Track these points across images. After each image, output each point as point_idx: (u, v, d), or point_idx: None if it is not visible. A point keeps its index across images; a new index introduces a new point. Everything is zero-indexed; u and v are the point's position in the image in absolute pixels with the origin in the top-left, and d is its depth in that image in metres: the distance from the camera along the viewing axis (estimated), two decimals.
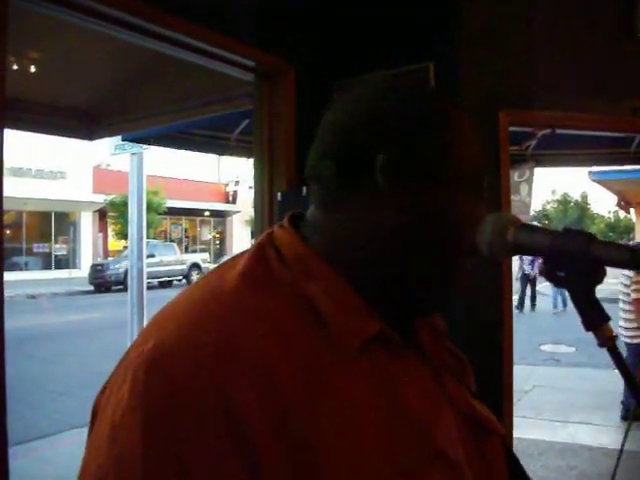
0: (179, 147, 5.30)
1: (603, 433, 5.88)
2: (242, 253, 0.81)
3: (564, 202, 57.38)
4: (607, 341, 0.66)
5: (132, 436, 0.62)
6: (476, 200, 0.81)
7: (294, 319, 0.71)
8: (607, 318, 0.67)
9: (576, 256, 0.67)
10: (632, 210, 25.82)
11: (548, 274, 0.70)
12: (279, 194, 2.74)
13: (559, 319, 14.36)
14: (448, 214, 0.78)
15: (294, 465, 0.63)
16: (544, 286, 22.57)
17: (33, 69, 4.02)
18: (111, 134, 5.47)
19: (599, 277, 0.68)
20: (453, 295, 0.84)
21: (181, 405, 0.62)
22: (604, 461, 5.06)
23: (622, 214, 46.70)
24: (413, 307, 0.84)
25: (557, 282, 0.70)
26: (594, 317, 0.67)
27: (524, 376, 8.08)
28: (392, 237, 0.78)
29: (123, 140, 6.18)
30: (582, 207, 56.45)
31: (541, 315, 15.10)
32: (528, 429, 5.64)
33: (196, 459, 0.60)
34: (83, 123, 4.69)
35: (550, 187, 60.17)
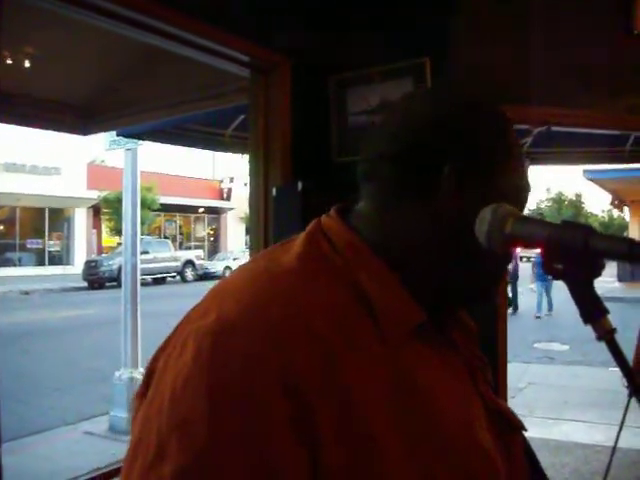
0: (174, 143, 5.28)
1: (596, 430, 5.90)
2: (291, 239, 0.83)
3: (558, 201, 57.58)
4: (605, 334, 0.66)
5: (197, 402, 0.63)
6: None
7: (348, 304, 0.74)
8: (605, 311, 0.67)
9: (574, 248, 0.66)
10: (626, 209, 25.94)
11: (546, 266, 0.70)
12: (274, 189, 2.73)
13: (553, 317, 14.38)
14: None
15: (353, 451, 0.65)
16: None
17: (27, 64, 4.00)
18: (106, 129, 5.46)
19: (597, 270, 0.67)
20: (491, 295, 0.90)
21: (247, 379, 0.63)
22: (597, 458, 5.07)
23: (616, 213, 46.88)
24: (452, 306, 0.88)
25: (555, 274, 0.69)
26: (592, 310, 0.66)
27: (518, 374, 8.10)
28: (444, 244, 0.80)
29: (117, 135, 6.16)
30: (576, 206, 56.65)
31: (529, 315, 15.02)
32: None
33: (258, 435, 0.62)
34: (78, 118, 4.66)
35: (545, 186, 60.33)
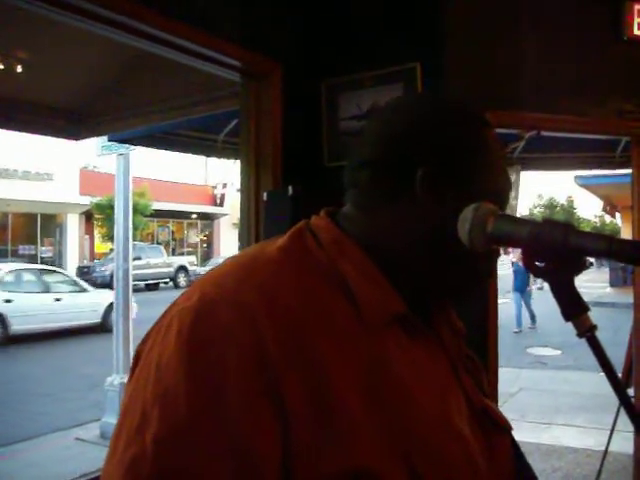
0: (166, 148, 5.28)
1: (588, 435, 5.91)
2: (278, 236, 0.86)
3: (550, 206, 57.75)
4: (586, 331, 0.67)
5: (177, 374, 0.67)
6: None
7: (327, 291, 0.77)
8: (586, 308, 0.67)
9: (554, 246, 0.67)
10: (618, 214, 26.03)
11: (527, 264, 0.71)
12: (265, 194, 2.73)
13: (547, 322, 14.38)
14: None
15: (323, 426, 0.68)
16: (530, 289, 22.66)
17: (20, 69, 4.00)
18: (97, 134, 5.44)
19: (578, 267, 0.68)
20: (472, 291, 0.92)
21: (222, 354, 0.67)
22: (589, 462, 5.09)
23: (608, 218, 47.06)
24: (431, 296, 0.90)
25: (536, 272, 0.70)
26: (573, 307, 0.67)
27: (510, 379, 8.12)
28: (423, 244, 0.83)
29: (109, 141, 6.16)
30: (568, 211, 56.82)
31: (527, 318, 14.93)
32: (513, 431, 5.65)
33: (233, 407, 0.66)
34: (69, 123, 4.66)
35: (537, 192, 60.56)
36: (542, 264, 0.70)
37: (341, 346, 0.73)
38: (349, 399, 0.70)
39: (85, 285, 14.71)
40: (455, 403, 0.82)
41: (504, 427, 0.91)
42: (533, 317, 13.71)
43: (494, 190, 0.85)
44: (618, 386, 0.67)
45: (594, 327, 0.67)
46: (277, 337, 0.69)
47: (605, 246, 0.65)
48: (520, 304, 13.46)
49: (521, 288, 13.30)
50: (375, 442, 0.70)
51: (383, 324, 0.78)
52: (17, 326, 11.81)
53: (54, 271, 15.47)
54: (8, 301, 11.72)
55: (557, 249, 0.67)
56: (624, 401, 0.68)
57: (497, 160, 0.87)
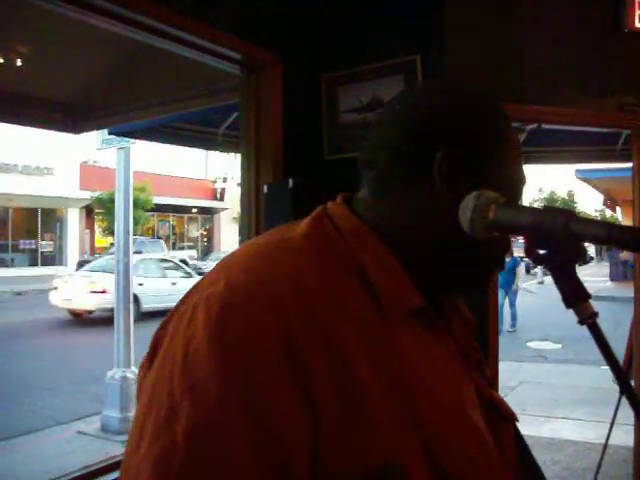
0: (166, 141, 5.27)
1: (587, 428, 5.93)
2: (295, 222, 0.86)
3: (551, 200, 57.77)
4: (587, 318, 0.67)
5: (207, 365, 0.67)
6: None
7: (348, 281, 0.77)
8: (587, 295, 0.67)
9: (555, 233, 0.67)
10: (618, 209, 26.02)
11: (528, 252, 0.71)
12: (265, 186, 2.73)
13: (547, 316, 14.40)
14: None
15: (343, 406, 0.68)
16: (530, 284, 22.69)
17: (19, 62, 3.99)
18: (97, 127, 5.44)
19: (579, 254, 0.68)
20: (486, 281, 0.92)
21: (251, 344, 0.67)
22: (588, 455, 5.10)
23: (608, 213, 47.03)
24: (446, 285, 0.89)
25: (537, 260, 0.70)
26: (574, 294, 0.67)
27: (511, 372, 8.14)
28: (439, 231, 0.83)
29: (110, 134, 6.15)
30: (569, 205, 56.74)
31: (528, 312, 15.02)
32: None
33: (264, 396, 0.66)
34: (69, 116, 4.65)
35: (537, 185, 60.58)
36: (543, 251, 0.70)
37: (363, 337, 0.73)
38: (373, 390, 0.70)
39: (190, 271, 17.60)
40: (469, 395, 0.83)
41: (510, 418, 0.92)
42: (514, 318, 13.11)
43: (510, 181, 0.85)
44: (619, 373, 0.67)
45: (595, 314, 0.67)
46: (306, 326, 0.69)
47: (605, 232, 0.65)
48: (503, 303, 12.34)
49: (505, 286, 12.73)
50: (398, 435, 0.70)
51: (402, 317, 0.78)
52: (146, 305, 14.16)
53: (168, 260, 18.49)
54: (140, 284, 13.82)
55: (558, 236, 0.67)
56: (625, 387, 0.68)
57: (514, 152, 0.87)
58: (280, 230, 0.85)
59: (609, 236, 0.65)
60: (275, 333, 0.67)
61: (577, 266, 0.70)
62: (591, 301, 0.70)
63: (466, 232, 0.77)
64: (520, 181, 0.88)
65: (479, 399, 0.85)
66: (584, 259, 0.68)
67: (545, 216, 0.69)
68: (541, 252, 0.70)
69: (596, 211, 58.50)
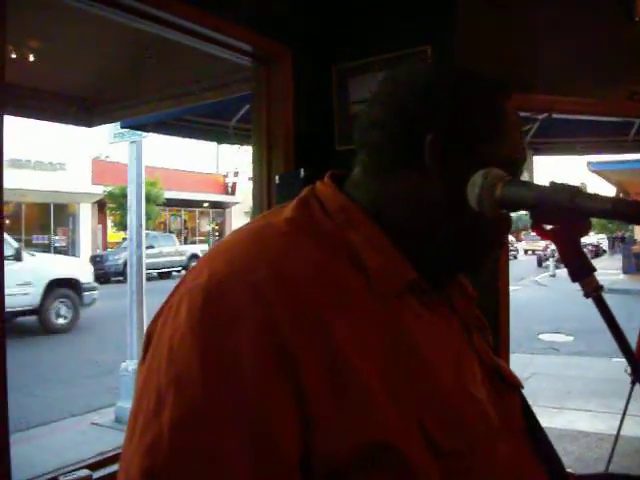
0: (178, 134, 5.30)
1: (599, 419, 5.92)
2: (284, 204, 0.85)
3: None
4: (593, 291, 0.68)
5: (190, 356, 0.67)
6: None
7: (336, 261, 0.77)
8: (593, 269, 0.69)
9: (562, 208, 0.69)
10: None
11: (535, 228, 0.72)
12: (277, 177, 2.75)
13: (559, 309, 14.35)
14: None
15: (333, 389, 0.68)
16: (542, 277, 22.59)
17: (32, 57, 4.02)
18: (110, 121, 5.48)
19: (584, 228, 0.70)
20: (483, 262, 0.89)
21: (235, 334, 0.67)
22: (600, 446, 5.10)
23: None
24: (442, 267, 0.88)
25: (544, 236, 0.72)
26: (580, 268, 0.69)
27: (523, 364, 8.12)
28: (430, 208, 0.82)
29: (122, 127, 6.19)
30: None
31: (540, 305, 14.98)
32: None
33: (248, 387, 0.66)
34: (82, 110, 4.69)
35: (549, 177, 60.25)
36: (550, 227, 0.71)
37: (354, 318, 0.72)
38: (365, 371, 0.69)
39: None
40: (469, 367, 0.83)
41: (515, 384, 0.93)
42: None
43: (505, 158, 0.83)
44: (623, 343, 0.69)
45: (601, 287, 0.68)
46: (289, 312, 0.68)
47: (610, 206, 0.66)
48: None
49: None
50: (392, 414, 0.69)
51: (395, 292, 0.78)
52: None
53: None
54: None
55: (564, 211, 0.69)
56: (630, 359, 0.70)
57: (510, 127, 0.85)
58: (267, 215, 0.86)
59: (614, 210, 0.66)
60: (257, 321, 0.67)
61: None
62: (604, 294, 0.71)
63: (462, 210, 0.78)
64: (517, 156, 0.87)
65: (482, 369, 0.85)
66: (588, 232, 0.70)
67: (551, 192, 0.71)
68: (547, 227, 0.71)
69: None
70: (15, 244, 11.71)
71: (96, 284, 13.26)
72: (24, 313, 11.25)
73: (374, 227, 0.82)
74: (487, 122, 0.83)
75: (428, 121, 0.81)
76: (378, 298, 0.76)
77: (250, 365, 0.66)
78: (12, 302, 10.06)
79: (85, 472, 2.77)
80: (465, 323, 0.89)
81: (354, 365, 0.69)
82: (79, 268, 12.48)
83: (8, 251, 10.23)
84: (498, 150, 0.83)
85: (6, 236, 12.20)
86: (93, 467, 2.98)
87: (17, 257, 11.02)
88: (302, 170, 2.61)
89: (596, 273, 0.70)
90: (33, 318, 11.63)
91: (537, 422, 0.95)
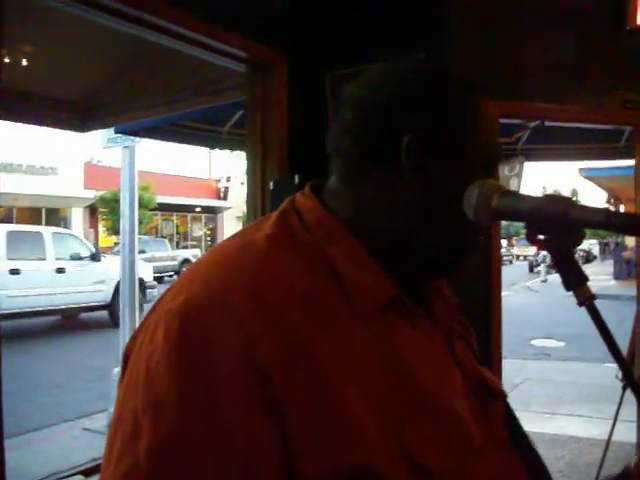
0: (171, 140, 5.32)
1: (591, 424, 5.94)
2: (265, 218, 0.84)
3: None
4: (586, 300, 0.70)
5: (167, 382, 0.66)
6: None
7: (317, 279, 0.75)
8: (586, 279, 0.70)
9: (555, 219, 0.70)
10: (622, 207, 25.95)
11: (530, 238, 0.74)
12: (271, 183, 2.76)
13: (551, 314, 14.40)
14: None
15: (316, 414, 0.67)
16: (534, 282, 22.66)
17: (25, 62, 4.02)
18: (103, 126, 5.47)
19: (577, 239, 0.71)
20: (463, 264, 0.88)
21: (213, 359, 0.66)
22: (592, 452, 5.11)
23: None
24: (423, 274, 0.87)
25: (538, 245, 0.73)
26: (574, 278, 0.70)
27: (515, 370, 8.15)
28: (410, 213, 0.81)
29: (115, 133, 6.19)
30: None
31: (532, 310, 15.03)
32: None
33: (226, 413, 0.65)
34: (75, 115, 4.69)
35: (540, 183, 60.52)
36: (543, 237, 0.73)
37: (335, 336, 0.71)
38: (348, 394, 0.68)
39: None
40: (451, 381, 0.82)
41: (498, 394, 0.92)
42: None
43: (482, 155, 0.83)
44: (616, 351, 0.70)
45: (593, 296, 0.70)
46: (268, 336, 0.67)
47: (603, 218, 0.68)
48: None
49: None
50: (373, 436, 0.68)
51: (376, 309, 0.76)
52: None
53: None
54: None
55: (558, 222, 0.70)
56: (623, 367, 0.71)
57: (485, 124, 0.84)
58: (246, 231, 0.83)
59: (607, 221, 0.67)
60: (234, 345, 0.66)
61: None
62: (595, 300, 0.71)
63: (441, 213, 0.79)
64: (493, 155, 0.86)
65: (466, 380, 0.84)
66: (581, 243, 0.71)
67: (545, 203, 0.72)
68: (541, 237, 0.73)
69: None
70: (92, 248, 13.37)
71: (155, 282, 14.29)
72: (98, 308, 12.71)
73: (353, 241, 0.80)
74: (462, 120, 0.82)
75: (401, 125, 0.79)
76: (359, 314, 0.75)
77: (228, 390, 0.65)
78: (88, 298, 12.32)
79: (79, 478, 2.77)
80: (447, 334, 0.88)
81: (334, 386, 0.68)
82: (143, 269, 12.93)
83: (86, 253, 12.64)
84: (474, 147, 0.82)
85: (84, 239, 13.76)
86: (87, 473, 2.97)
87: (96, 258, 12.72)
88: (296, 176, 2.62)
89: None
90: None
91: (523, 431, 0.94)
